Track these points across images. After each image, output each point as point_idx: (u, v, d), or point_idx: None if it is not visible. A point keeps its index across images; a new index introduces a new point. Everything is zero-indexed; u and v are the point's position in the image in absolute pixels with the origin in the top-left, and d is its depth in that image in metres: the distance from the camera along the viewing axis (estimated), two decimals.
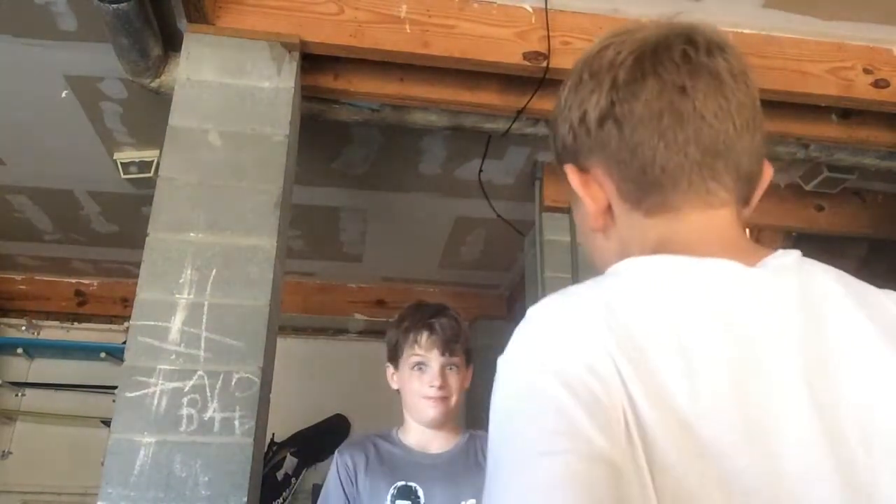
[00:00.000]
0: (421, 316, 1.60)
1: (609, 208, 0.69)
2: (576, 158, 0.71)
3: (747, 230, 0.78)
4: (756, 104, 0.68)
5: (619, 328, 0.55)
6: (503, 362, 0.59)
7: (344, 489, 1.48)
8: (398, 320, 1.64)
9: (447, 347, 1.55)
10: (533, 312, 0.61)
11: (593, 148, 0.69)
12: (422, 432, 1.57)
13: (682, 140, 0.64)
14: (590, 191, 0.70)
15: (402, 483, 1.47)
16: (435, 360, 1.53)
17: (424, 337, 1.55)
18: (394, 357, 1.61)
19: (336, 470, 1.51)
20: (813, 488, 0.51)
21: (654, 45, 0.68)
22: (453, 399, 1.55)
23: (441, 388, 1.52)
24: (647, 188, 0.66)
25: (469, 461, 1.55)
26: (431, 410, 1.52)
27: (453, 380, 1.55)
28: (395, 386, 1.61)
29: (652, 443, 0.50)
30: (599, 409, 0.50)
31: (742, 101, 0.67)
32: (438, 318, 1.58)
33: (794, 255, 0.64)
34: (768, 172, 0.70)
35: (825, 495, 0.51)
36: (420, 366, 1.54)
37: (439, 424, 1.55)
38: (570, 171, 0.71)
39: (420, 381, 1.53)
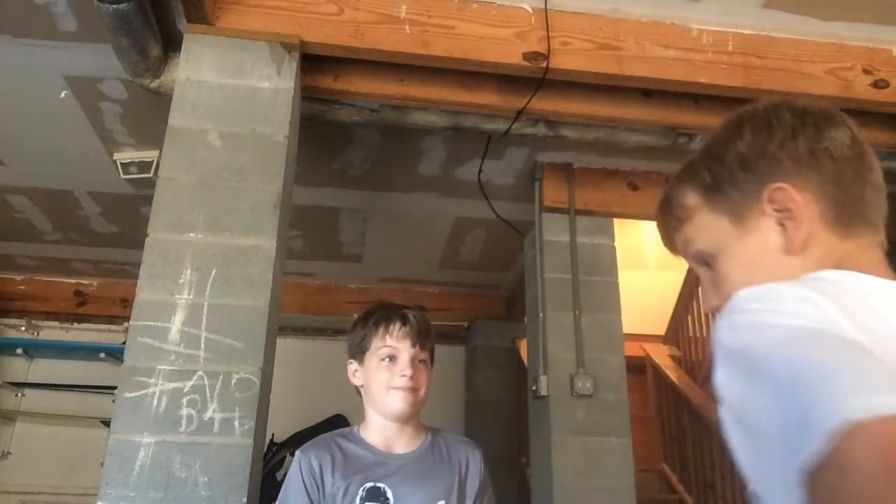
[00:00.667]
0: (391, 309, 1.59)
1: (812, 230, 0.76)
2: (779, 179, 0.77)
3: None
4: None
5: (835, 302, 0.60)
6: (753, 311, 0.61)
7: (307, 491, 1.45)
8: (364, 316, 1.62)
9: (418, 339, 1.53)
10: (754, 290, 0.64)
11: (803, 172, 0.77)
12: (386, 428, 1.53)
13: (875, 182, 0.78)
14: (799, 204, 0.76)
15: (371, 484, 1.44)
16: (406, 350, 1.52)
17: (397, 327, 1.53)
18: (358, 352, 1.58)
19: (299, 470, 1.47)
20: None
21: (829, 107, 0.82)
22: (421, 392, 1.53)
23: (411, 378, 1.50)
24: (852, 217, 0.76)
25: (436, 460, 1.53)
26: (400, 402, 1.49)
27: (422, 374, 1.53)
28: (357, 382, 1.58)
29: None
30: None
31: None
32: (410, 311, 1.58)
33: None
34: None
35: None
36: (390, 357, 1.52)
37: (406, 418, 1.52)
38: (790, 189, 0.76)
39: (390, 371, 1.51)
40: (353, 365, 1.59)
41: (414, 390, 1.51)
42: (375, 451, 1.51)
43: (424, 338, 1.55)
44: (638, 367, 4.60)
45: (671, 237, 0.89)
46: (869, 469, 0.42)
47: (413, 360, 1.52)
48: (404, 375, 1.50)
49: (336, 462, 1.47)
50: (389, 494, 1.44)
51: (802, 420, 0.47)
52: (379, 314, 1.58)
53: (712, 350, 0.62)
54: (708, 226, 0.83)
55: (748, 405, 0.55)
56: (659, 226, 0.92)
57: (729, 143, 0.83)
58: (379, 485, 1.45)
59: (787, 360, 0.53)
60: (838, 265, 0.72)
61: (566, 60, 2.20)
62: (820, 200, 0.76)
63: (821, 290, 0.62)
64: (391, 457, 1.51)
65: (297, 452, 1.51)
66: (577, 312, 2.89)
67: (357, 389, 1.60)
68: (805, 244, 0.75)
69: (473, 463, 1.55)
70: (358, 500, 1.42)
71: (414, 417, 1.55)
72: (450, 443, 1.58)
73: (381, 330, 1.55)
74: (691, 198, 0.85)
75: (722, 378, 0.59)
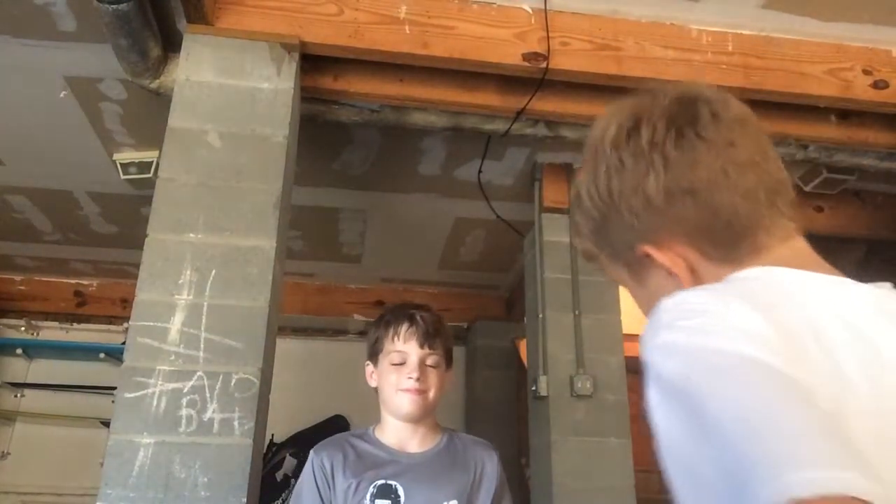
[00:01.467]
0: (402, 310, 1.59)
1: (693, 274, 0.71)
2: (647, 239, 0.73)
3: None
4: (769, 139, 0.74)
5: (763, 309, 0.58)
6: (666, 342, 0.58)
7: (319, 490, 1.46)
8: (379, 318, 1.63)
9: (426, 340, 1.53)
10: (678, 301, 0.61)
11: (666, 223, 0.71)
12: (400, 429, 1.54)
13: (752, 186, 0.69)
14: (676, 265, 0.71)
15: (382, 482, 1.44)
16: (414, 352, 1.52)
17: (404, 328, 1.53)
18: (373, 354, 1.59)
19: (311, 469, 1.48)
20: None
21: (681, 113, 0.72)
22: (431, 394, 1.52)
23: (418, 380, 1.50)
24: (736, 240, 0.70)
25: (450, 461, 1.53)
26: (408, 404, 1.49)
27: (432, 375, 1.53)
28: (373, 384, 1.59)
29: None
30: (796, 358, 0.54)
31: (764, 138, 0.72)
32: (419, 312, 1.57)
33: (889, 285, 0.69)
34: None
35: None
36: (399, 359, 1.52)
37: (416, 419, 1.52)
38: (654, 252, 0.72)
39: (398, 373, 1.51)
40: (369, 367, 1.61)
41: (421, 392, 1.50)
42: (388, 450, 1.51)
43: (433, 338, 1.54)
44: (638, 368, 4.58)
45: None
46: None
47: (421, 363, 1.52)
48: (411, 378, 1.50)
49: (348, 460, 1.48)
50: (401, 492, 1.44)
51: (744, 484, 0.46)
52: (390, 315, 1.59)
53: (644, 361, 0.60)
54: (612, 271, 0.81)
55: (687, 448, 0.53)
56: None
57: (594, 190, 0.77)
58: (390, 482, 1.45)
59: (727, 407, 0.50)
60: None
61: (566, 61, 2.20)
62: (694, 241, 0.71)
63: (743, 295, 0.60)
64: (404, 455, 1.51)
65: (311, 452, 1.53)
66: (576, 313, 2.88)
67: (375, 390, 1.60)
68: (696, 284, 0.71)
69: (490, 465, 1.55)
70: (368, 496, 1.43)
71: (426, 418, 1.55)
72: (466, 444, 1.58)
73: (390, 331, 1.55)
74: (587, 244, 0.82)
75: (657, 407, 0.57)
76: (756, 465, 0.46)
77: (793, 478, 0.44)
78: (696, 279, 0.71)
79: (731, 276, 0.67)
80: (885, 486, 0.44)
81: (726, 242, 0.70)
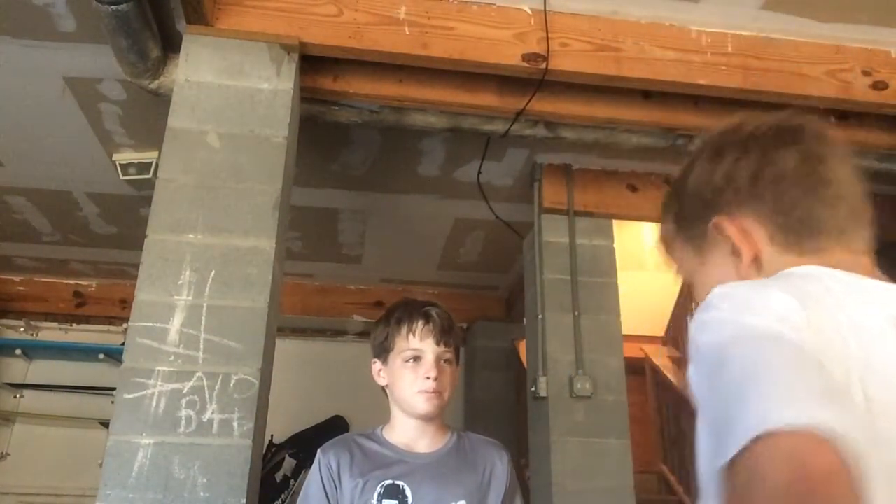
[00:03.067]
0: (414, 307, 1.56)
1: (757, 256, 0.78)
2: (721, 212, 0.80)
3: None
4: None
5: (805, 300, 0.63)
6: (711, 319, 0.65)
7: (325, 490, 1.45)
8: (387, 314, 1.59)
9: (443, 337, 1.50)
10: (726, 288, 0.68)
11: (744, 202, 0.79)
12: (411, 429, 1.51)
13: (832, 197, 0.78)
14: (745, 240, 0.78)
15: (390, 482, 1.42)
16: (430, 350, 1.49)
17: (420, 326, 1.50)
18: (382, 351, 1.56)
19: (318, 469, 1.47)
20: None
21: (788, 123, 0.81)
22: (446, 394, 1.50)
23: (436, 380, 1.47)
24: (804, 235, 0.77)
25: (459, 461, 1.50)
26: (425, 404, 1.47)
27: (446, 373, 1.51)
28: (382, 382, 1.56)
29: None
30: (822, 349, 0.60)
31: (855, 169, 0.82)
32: (433, 308, 1.55)
33: None
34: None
35: None
36: (414, 358, 1.50)
37: (431, 419, 1.51)
38: (727, 223, 0.79)
39: (414, 373, 1.48)
40: (376, 364, 1.57)
41: (439, 393, 1.48)
42: (396, 450, 1.49)
43: (448, 335, 1.52)
44: (637, 369, 4.60)
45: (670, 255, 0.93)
46: (774, 479, 0.46)
47: (438, 361, 1.50)
48: (429, 378, 1.47)
49: (355, 460, 1.46)
50: (408, 492, 1.42)
51: (730, 421, 0.52)
52: (401, 312, 1.56)
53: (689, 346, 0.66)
54: (681, 254, 0.88)
55: (709, 402, 0.59)
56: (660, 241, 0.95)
57: (688, 174, 0.86)
58: (398, 482, 1.43)
59: (736, 359, 0.57)
60: None
61: (565, 62, 2.20)
62: (766, 224, 0.78)
63: (786, 287, 0.65)
64: (412, 455, 1.49)
65: (318, 452, 1.51)
66: (576, 314, 2.88)
67: (383, 389, 1.58)
68: (753, 268, 0.78)
69: (500, 465, 1.52)
70: (375, 496, 1.41)
71: (438, 417, 1.53)
72: (475, 444, 1.56)
73: (403, 329, 1.52)
74: (669, 226, 0.89)
75: (692, 374, 0.63)
76: (743, 407, 0.51)
77: (770, 415, 0.49)
78: (757, 262, 0.78)
79: (784, 272, 0.72)
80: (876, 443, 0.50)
81: (796, 234, 0.77)
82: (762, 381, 0.53)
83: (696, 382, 0.61)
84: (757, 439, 0.48)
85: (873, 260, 0.79)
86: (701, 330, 0.64)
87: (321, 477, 1.46)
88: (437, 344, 1.50)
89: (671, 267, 0.92)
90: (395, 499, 1.42)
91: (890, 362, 0.61)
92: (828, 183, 0.78)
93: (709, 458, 0.56)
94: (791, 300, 0.62)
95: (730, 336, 0.60)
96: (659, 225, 0.92)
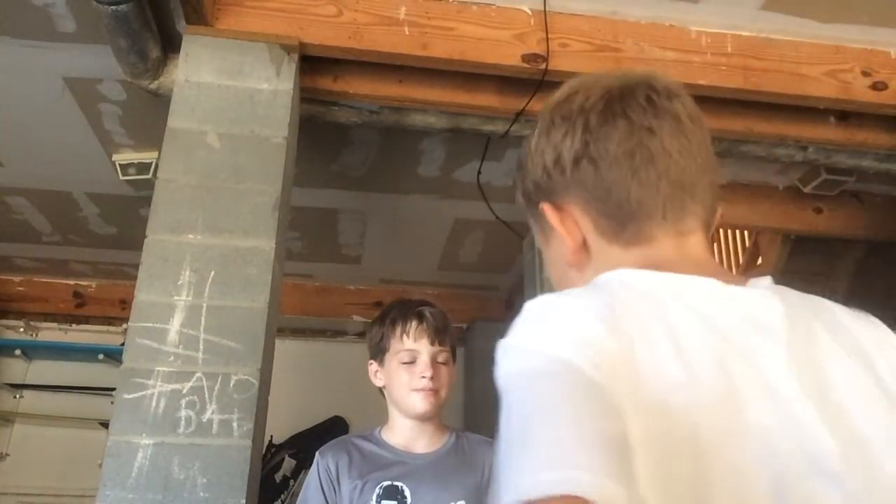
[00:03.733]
0: (408, 307, 1.57)
1: (585, 243, 0.74)
2: (550, 197, 0.76)
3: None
4: (710, 146, 0.75)
5: (613, 319, 0.58)
6: (510, 346, 0.62)
7: (324, 493, 1.45)
8: (382, 315, 1.61)
9: (437, 337, 1.52)
10: (533, 304, 0.63)
11: (569, 186, 0.73)
12: (409, 429, 1.52)
13: (654, 176, 0.70)
14: (567, 227, 0.74)
15: (389, 483, 1.43)
16: (425, 350, 1.50)
17: (413, 326, 1.52)
18: (379, 353, 1.57)
19: (317, 471, 1.48)
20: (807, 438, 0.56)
21: (619, 90, 0.73)
22: (443, 392, 1.52)
23: (432, 379, 1.48)
24: (624, 221, 0.71)
25: (458, 461, 1.51)
26: (422, 403, 1.48)
27: (443, 372, 1.52)
28: (379, 383, 1.57)
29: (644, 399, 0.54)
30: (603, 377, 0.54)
31: (700, 141, 0.73)
32: (427, 308, 1.56)
33: (769, 279, 0.69)
34: (719, 212, 0.77)
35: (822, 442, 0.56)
36: (409, 358, 1.51)
37: (428, 418, 1.52)
38: (547, 209, 0.75)
39: (410, 373, 1.50)
40: (373, 366, 1.59)
41: (435, 391, 1.49)
42: (395, 451, 1.51)
43: (443, 334, 1.54)
44: None
45: None
46: None
47: (433, 360, 1.51)
48: (424, 377, 1.48)
49: (353, 461, 1.47)
50: (407, 493, 1.43)
51: (500, 475, 0.49)
52: (395, 312, 1.57)
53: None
54: (532, 228, 0.85)
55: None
56: None
57: (527, 149, 0.81)
58: (397, 483, 1.44)
59: (519, 408, 0.53)
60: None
61: (565, 62, 2.20)
62: (589, 211, 0.73)
63: (596, 303, 0.61)
64: (411, 456, 1.50)
65: (317, 454, 1.52)
66: None
67: (380, 390, 1.58)
68: (580, 259, 0.74)
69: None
70: (374, 497, 1.41)
71: (436, 417, 1.54)
72: (474, 444, 1.56)
73: (398, 330, 1.53)
74: (519, 199, 0.85)
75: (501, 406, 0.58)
76: (510, 466, 0.48)
77: (528, 479, 0.45)
78: (586, 251, 0.74)
79: (596, 280, 0.67)
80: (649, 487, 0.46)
81: (616, 220, 0.71)
82: (531, 432, 0.49)
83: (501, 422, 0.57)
84: None
85: (707, 237, 0.73)
86: (501, 354, 0.61)
87: (320, 479, 1.46)
88: (432, 343, 1.52)
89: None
90: (395, 499, 1.42)
91: (709, 365, 0.57)
92: (651, 159, 0.70)
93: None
94: (594, 321, 0.57)
95: (519, 369, 0.57)
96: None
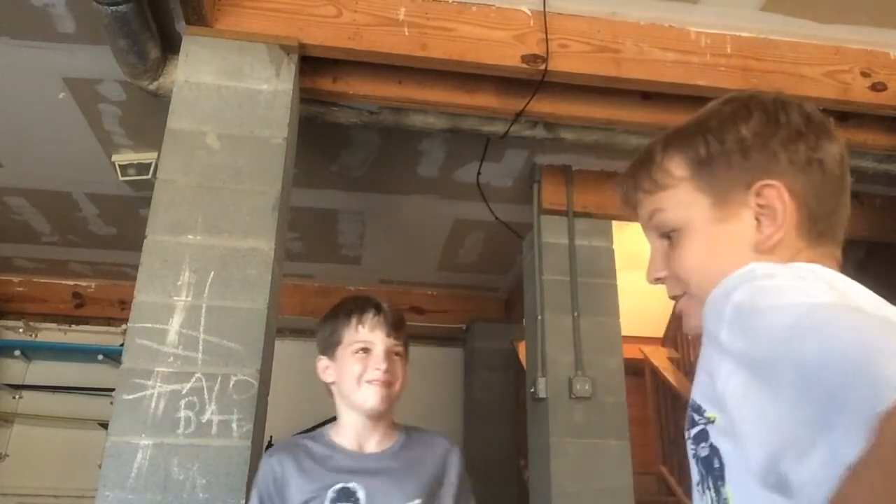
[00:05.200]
0: (362, 300, 1.52)
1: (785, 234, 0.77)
2: (771, 177, 0.77)
3: None
4: None
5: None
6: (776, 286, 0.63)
7: (262, 500, 1.41)
8: (333, 311, 1.56)
9: (393, 329, 1.47)
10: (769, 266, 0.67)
11: (798, 177, 0.77)
12: (359, 428, 1.46)
13: (845, 203, 0.80)
14: (787, 210, 0.76)
15: (341, 485, 1.37)
16: (380, 341, 1.45)
17: (370, 317, 1.47)
18: (329, 346, 1.51)
19: (262, 475, 1.43)
20: None
21: (827, 121, 0.81)
22: (396, 386, 1.46)
23: (386, 371, 1.43)
24: (822, 231, 0.78)
25: (411, 459, 1.46)
26: (374, 396, 1.42)
27: (397, 367, 1.46)
28: (329, 379, 1.51)
29: None
30: None
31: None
32: (383, 303, 1.51)
33: None
34: None
35: None
36: (364, 349, 1.45)
37: (379, 414, 1.45)
38: (780, 188, 0.76)
39: (363, 363, 1.44)
40: (322, 361, 1.53)
41: (389, 384, 1.44)
42: (346, 452, 1.45)
43: (399, 328, 1.49)
44: (636, 370, 4.59)
45: (636, 197, 0.86)
46: None
47: (388, 353, 1.46)
48: (378, 368, 1.43)
49: (303, 464, 1.41)
50: (360, 494, 1.37)
51: (873, 373, 0.45)
52: (350, 305, 1.53)
53: (713, 314, 0.63)
54: (687, 201, 0.80)
55: (784, 356, 0.53)
56: (626, 181, 0.87)
57: (732, 124, 0.80)
58: (349, 485, 1.38)
59: (838, 321, 0.53)
60: None
61: (565, 63, 2.20)
62: (802, 207, 0.76)
63: (816, 277, 0.64)
64: (362, 456, 1.45)
65: (264, 456, 1.46)
66: (575, 315, 2.88)
67: (328, 388, 1.53)
68: (777, 245, 0.75)
69: (451, 461, 1.49)
70: (328, 501, 1.36)
71: (387, 414, 1.49)
72: (426, 440, 1.52)
73: (353, 320, 1.49)
74: (679, 167, 0.81)
75: (740, 334, 0.59)
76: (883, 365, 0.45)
77: None
78: (779, 241, 0.76)
79: (790, 265, 0.69)
80: None
81: (816, 225, 0.77)
82: (877, 342, 0.48)
83: (758, 341, 0.57)
84: None
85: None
86: (754, 294, 0.61)
87: (259, 485, 1.41)
88: (388, 336, 1.46)
89: (631, 208, 0.87)
90: (348, 502, 1.37)
91: None
92: (847, 190, 0.80)
93: (791, 418, 0.51)
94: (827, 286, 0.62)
95: (803, 300, 0.58)
96: (650, 162, 0.84)
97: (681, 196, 0.81)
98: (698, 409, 0.67)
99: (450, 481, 1.47)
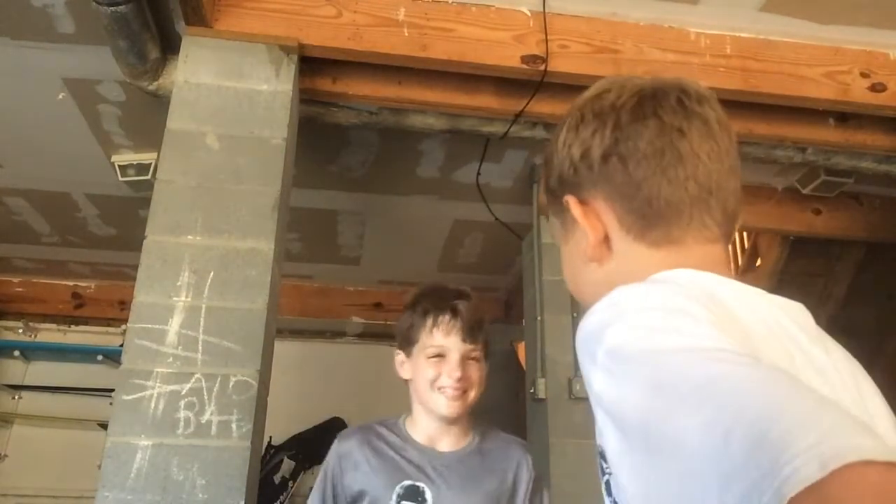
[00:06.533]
0: (442, 298, 1.45)
1: (606, 238, 0.74)
2: (575, 191, 0.76)
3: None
4: (737, 151, 0.76)
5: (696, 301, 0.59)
6: (617, 312, 0.59)
7: (333, 480, 1.38)
8: (414, 302, 1.48)
9: (469, 334, 1.41)
10: (626, 290, 0.63)
11: (596, 182, 0.74)
12: (432, 427, 1.43)
13: (682, 176, 0.71)
14: (590, 221, 0.74)
15: (410, 483, 1.35)
16: (455, 348, 1.39)
17: (446, 321, 1.41)
18: (406, 343, 1.45)
19: (330, 461, 1.40)
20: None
21: (651, 90, 0.74)
22: (472, 393, 1.42)
23: (460, 379, 1.38)
24: (651, 220, 0.72)
25: (482, 462, 1.42)
26: (448, 404, 1.38)
27: (473, 371, 1.42)
28: (405, 375, 1.46)
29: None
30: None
31: (728, 146, 0.74)
32: (461, 301, 1.44)
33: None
34: (740, 220, 0.78)
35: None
36: (438, 355, 1.40)
37: (453, 420, 1.41)
38: (572, 202, 0.76)
39: (437, 369, 1.39)
40: (400, 356, 1.49)
41: (463, 392, 1.40)
42: (418, 447, 1.42)
43: (476, 332, 1.43)
44: None
45: None
46: None
47: (463, 359, 1.41)
48: (452, 377, 1.39)
49: (373, 455, 1.39)
50: (428, 495, 1.35)
51: (771, 446, 0.41)
52: (428, 302, 1.46)
53: (583, 348, 0.59)
54: (551, 225, 0.86)
55: (659, 418, 0.49)
56: None
57: (554, 143, 0.81)
58: (418, 484, 1.37)
59: (725, 375, 0.47)
60: (654, 273, 0.67)
61: (564, 63, 2.20)
62: (614, 206, 0.73)
63: (684, 295, 0.60)
64: (434, 454, 1.42)
65: (337, 437, 1.44)
66: (575, 315, 2.88)
67: (406, 382, 1.50)
68: (600, 253, 0.74)
69: (523, 467, 1.46)
70: (395, 497, 1.34)
71: (463, 417, 1.45)
72: (499, 444, 1.48)
73: (428, 322, 1.43)
74: (542, 196, 0.88)
75: (612, 384, 0.54)
76: (786, 428, 0.41)
77: (842, 443, 0.40)
78: (607, 246, 0.74)
79: (655, 277, 0.66)
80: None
81: (644, 218, 0.72)
82: (783, 399, 0.44)
83: (629, 397, 0.52)
84: (835, 471, 0.38)
85: (726, 248, 0.74)
86: (625, 333, 0.55)
87: (329, 468, 1.39)
88: (464, 341, 1.41)
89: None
90: (414, 501, 1.34)
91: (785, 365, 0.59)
92: (680, 159, 0.71)
93: (673, 482, 0.47)
94: (702, 310, 0.57)
95: (679, 346, 0.52)
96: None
97: (550, 222, 0.86)
98: (603, 456, 0.60)
99: (521, 488, 1.44)
